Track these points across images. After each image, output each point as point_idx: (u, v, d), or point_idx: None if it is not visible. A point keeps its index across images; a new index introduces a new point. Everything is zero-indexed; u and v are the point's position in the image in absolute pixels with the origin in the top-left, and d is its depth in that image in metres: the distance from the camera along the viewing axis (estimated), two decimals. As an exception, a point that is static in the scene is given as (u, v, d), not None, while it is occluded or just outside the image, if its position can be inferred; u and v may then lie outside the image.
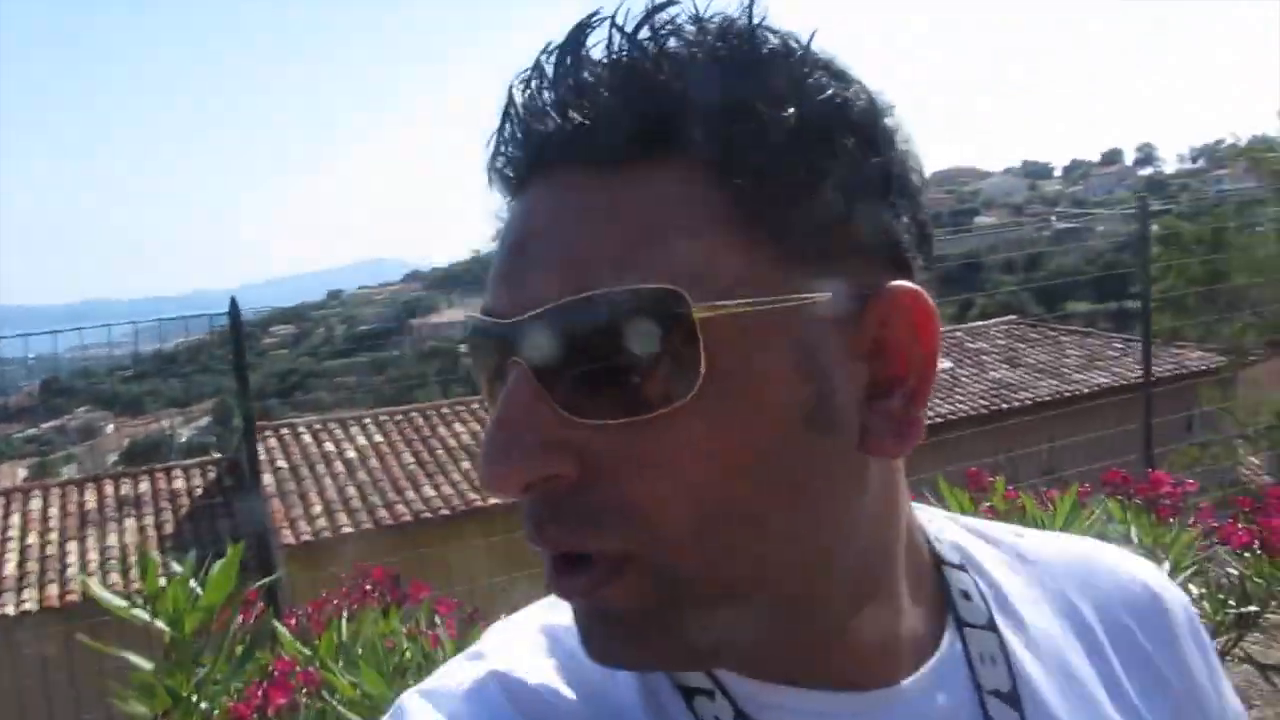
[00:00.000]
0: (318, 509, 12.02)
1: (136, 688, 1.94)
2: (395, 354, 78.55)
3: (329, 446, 13.41)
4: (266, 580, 2.34)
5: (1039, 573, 0.63)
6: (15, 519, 13.13)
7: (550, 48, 0.50)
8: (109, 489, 14.05)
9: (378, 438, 13.71)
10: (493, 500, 12.43)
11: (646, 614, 0.48)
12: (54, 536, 12.99)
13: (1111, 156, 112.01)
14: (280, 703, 1.93)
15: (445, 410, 14.71)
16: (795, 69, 0.49)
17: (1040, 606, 0.61)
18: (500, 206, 0.54)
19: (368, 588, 2.63)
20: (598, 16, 0.49)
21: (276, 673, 2.01)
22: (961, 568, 0.60)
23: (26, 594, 11.68)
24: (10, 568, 12.17)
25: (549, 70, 0.50)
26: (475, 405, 14.78)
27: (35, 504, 13.57)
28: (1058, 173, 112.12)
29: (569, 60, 0.49)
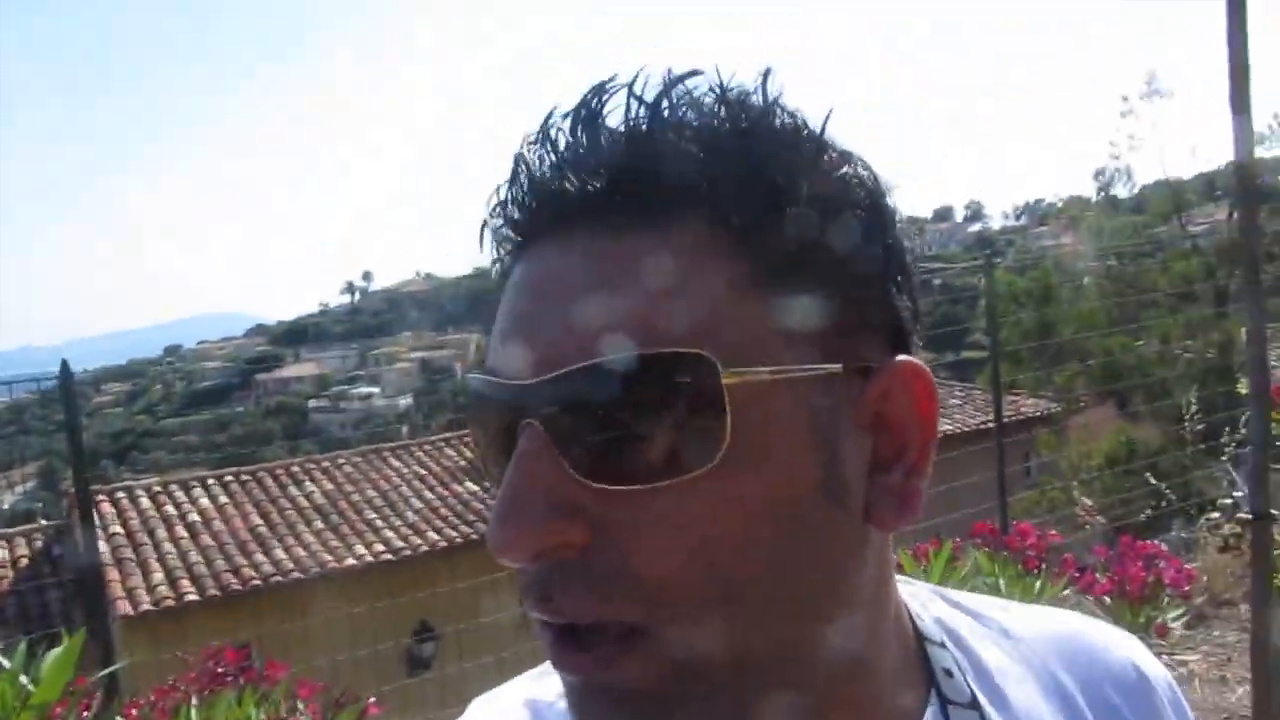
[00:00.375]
0: (158, 576, 11.41)
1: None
2: (239, 410, 76.86)
3: (169, 510, 12.76)
4: (107, 671, 2.13)
5: (1024, 649, 0.62)
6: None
7: (565, 112, 0.50)
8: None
9: (222, 499, 13.16)
10: (349, 562, 12.03)
11: (653, 692, 0.47)
12: None
13: (943, 213, 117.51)
14: (125, 807, 1.76)
15: (295, 469, 14.22)
16: (808, 146, 0.49)
17: (1025, 684, 0.61)
18: (491, 265, 0.54)
19: (219, 670, 2.46)
20: (613, 84, 0.49)
21: (121, 773, 1.84)
22: (943, 644, 0.60)
23: None
24: None
25: (565, 133, 0.49)
26: (326, 463, 14.42)
27: None
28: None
29: (584, 124, 0.49)
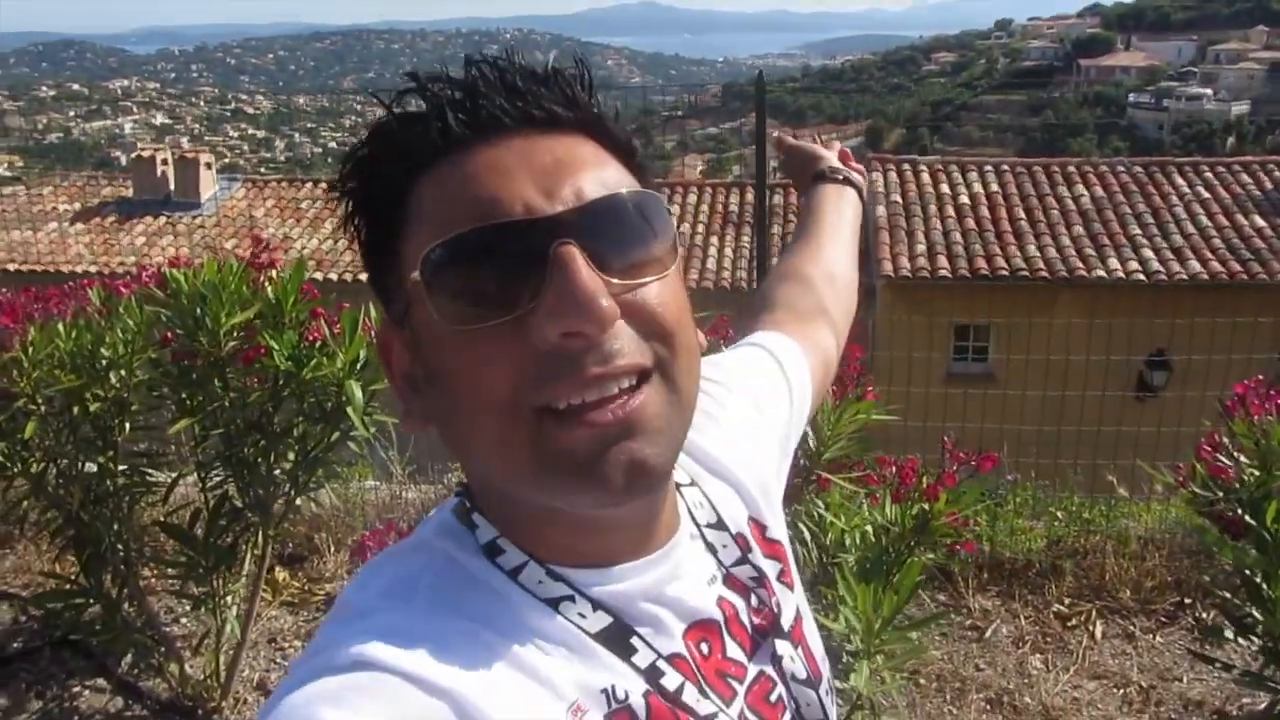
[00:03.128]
0: (921, 248, 12.12)
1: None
2: (1054, 96, 77.00)
3: (944, 188, 13.21)
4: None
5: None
6: (674, 209, 10.82)
7: (486, 59, 0.68)
8: (749, 196, 14.81)
9: (994, 186, 13.18)
10: (1098, 273, 11.37)
11: (664, 416, 0.64)
12: (701, 229, 14.52)
13: None
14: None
15: (1071, 169, 13.70)
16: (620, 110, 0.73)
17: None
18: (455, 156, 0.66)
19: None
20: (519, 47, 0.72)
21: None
22: None
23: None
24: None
25: (498, 72, 0.67)
26: (1104, 168, 13.76)
27: (692, 199, 15.18)
28: None
29: (521, 69, 0.68)
